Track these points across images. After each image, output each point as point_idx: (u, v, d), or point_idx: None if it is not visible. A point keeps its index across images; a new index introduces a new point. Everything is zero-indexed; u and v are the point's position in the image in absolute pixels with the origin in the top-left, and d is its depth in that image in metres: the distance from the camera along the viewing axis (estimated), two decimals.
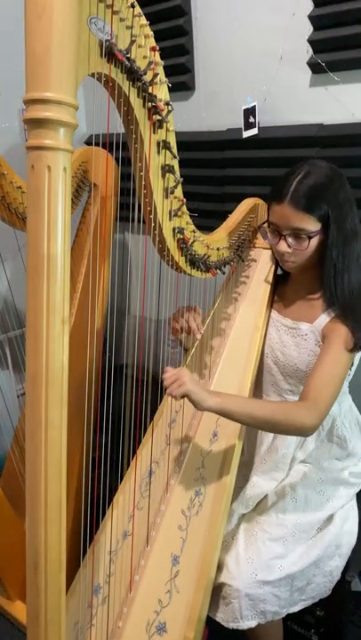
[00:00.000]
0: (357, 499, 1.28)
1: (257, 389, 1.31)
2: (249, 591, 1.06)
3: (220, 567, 1.10)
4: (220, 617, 1.09)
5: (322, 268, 1.14)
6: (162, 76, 0.86)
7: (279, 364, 1.25)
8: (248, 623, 1.07)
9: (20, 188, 1.37)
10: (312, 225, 1.10)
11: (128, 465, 1.17)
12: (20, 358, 1.85)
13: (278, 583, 1.09)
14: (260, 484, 1.21)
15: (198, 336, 1.22)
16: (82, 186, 1.68)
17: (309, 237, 1.11)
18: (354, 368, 1.23)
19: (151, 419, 1.25)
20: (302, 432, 1.08)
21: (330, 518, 1.20)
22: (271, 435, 1.25)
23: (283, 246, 1.14)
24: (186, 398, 0.98)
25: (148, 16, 0.80)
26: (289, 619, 1.31)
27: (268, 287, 1.35)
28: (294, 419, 1.02)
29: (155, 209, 0.95)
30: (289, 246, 1.13)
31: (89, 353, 1.34)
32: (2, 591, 1.43)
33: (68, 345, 0.68)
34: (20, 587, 1.41)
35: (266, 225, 1.20)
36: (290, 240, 1.13)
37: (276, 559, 1.11)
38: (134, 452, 1.18)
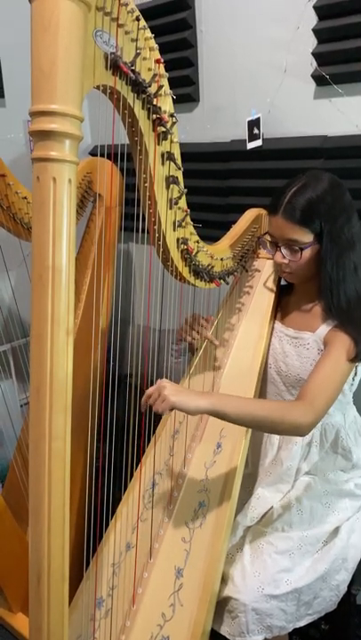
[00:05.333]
0: None
1: None
2: (256, 605, 1.05)
3: (225, 581, 1.09)
4: (226, 631, 1.07)
5: (319, 279, 1.15)
6: (166, 88, 0.86)
7: (282, 375, 1.25)
8: (255, 638, 1.06)
9: (25, 198, 1.38)
10: (305, 237, 1.11)
11: (131, 476, 1.16)
12: (23, 368, 1.85)
13: (285, 597, 1.08)
14: (265, 496, 1.20)
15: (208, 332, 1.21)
16: (86, 196, 1.68)
17: (301, 249, 1.12)
18: (358, 378, 1.22)
19: (155, 429, 1.24)
20: (297, 431, 1.07)
21: (336, 531, 1.19)
22: (276, 447, 1.25)
23: (278, 257, 1.17)
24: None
25: (153, 29, 0.81)
26: (294, 633, 1.29)
27: (272, 297, 1.35)
28: (290, 417, 1.02)
29: (159, 219, 0.95)
30: (284, 257, 1.16)
31: (93, 362, 1.35)
32: (3, 603, 1.42)
33: (72, 356, 0.68)
34: (23, 598, 1.40)
35: (266, 236, 1.22)
36: (284, 251, 1.15)
37: (282, 573, 1.10)
38: (138, 463, 1.18)
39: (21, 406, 1.93)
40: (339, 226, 1.11)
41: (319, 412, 1.04)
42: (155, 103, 0.84)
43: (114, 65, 0.75)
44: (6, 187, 1.35)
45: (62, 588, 0.71)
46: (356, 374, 1.21)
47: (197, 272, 1.12)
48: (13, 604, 1.41)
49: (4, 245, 1.47)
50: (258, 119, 1.56)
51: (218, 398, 1.00)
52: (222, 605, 1.08)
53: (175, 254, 1.03)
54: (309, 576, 1.10)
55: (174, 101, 0.89)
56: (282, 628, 1.08)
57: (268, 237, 1.21)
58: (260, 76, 1.57)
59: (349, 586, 1.19)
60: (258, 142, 1.58)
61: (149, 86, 0.82)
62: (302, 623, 1.12)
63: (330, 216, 1.10)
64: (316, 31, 1.39)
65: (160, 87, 0.84)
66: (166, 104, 0.87)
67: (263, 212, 1.41)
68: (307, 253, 1.13)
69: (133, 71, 0.78)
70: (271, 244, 1.20)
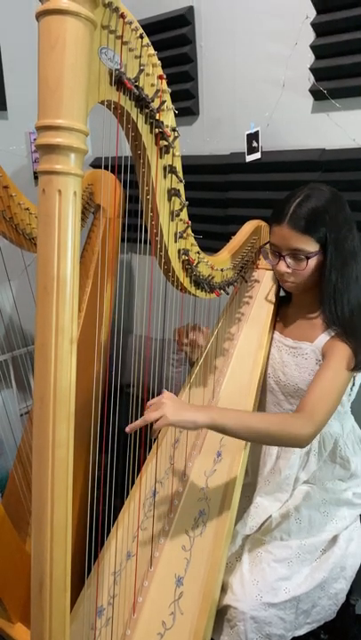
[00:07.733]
0: None
1: (260, 410, 1.32)
2: (254, 614, 1.05)
3: (224, 589, 1.09)
4: None
5: (321, 289, 1.16)
6: (169, 103, 0.88)
7: (280, 384, 1.26)
8: None
9: (27, 209, 1.39)
10: (310, 246, 1.12)
11: (132, 484, 1.17)
12: (24, 377, 1.86)
13: (284, 606, 1.08)
14: (263, 505, 1.21)
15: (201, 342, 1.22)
16: (87, 207, 1.70)
17: (308, 258, 1.13)
18: (356, 388, 1.23)
19: (155, 438, 1.25)
20: (297, 443, 1.07)
21: (334, 540, 1.20)
22: (274, 456, 1.25)
23: (282, 266, 1.17)
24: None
25: (154, 44, 0.83)
26: None
27: (271, 307, 1.36)
28: (290, 429, 1.02)
29: (161, 231, 0.97)
30: (288, 266, 1.16)
31: (94, 372, 1.35)
32: (3, 613, 1.41)
33: (75, 365, 0.69)
34: (22, 608, 1.39)
35: (267, 246, 1.23)
36: (289, 260, 1.16)
37: (281, 581, 1.10)
38: (138, 472, 1.18)
39: (21, 415, 1.93)
40: (343, 235, 1.13)
41: (319, 423, 1.04)
42: (157, 118, 0.86)
43: (118, 81, 0.77)
44: (9, 198, 1.37)
45: (64, 597, 0.71)
46: (353, 384, 1.22)
47: (198, 282, 1.13)
48: (12, 613, 1.40)
49: (6, 255, 1.49)
50: (257, 132, 1.59)
51: (218, 412, 0.99)
52: (221, 614, 1.08)
53: (176, 265, 1.04)
54: (308, 584, 1.11)
55: (175, 115, 0.91)
56: (281, 636, 1.08)
57: (269, 247, 1.22)
58: (259, 91, 1.60)
59: (348, 595, 1.19)
60: (257, 155, 1.60)
61: (152, 101, 0.84)
62: (301, 632, 1.12)
63: (334, 225, 1.12)
64: (313, 47, 1.42)
65: (163, 102, 0.86)
66: (168, 119, 0.89)
67: (262, 223, 1.43)
68: (312, 263, 1.13)
69: (137, 87, 0.80)
70: (274, 253, 1.20)
